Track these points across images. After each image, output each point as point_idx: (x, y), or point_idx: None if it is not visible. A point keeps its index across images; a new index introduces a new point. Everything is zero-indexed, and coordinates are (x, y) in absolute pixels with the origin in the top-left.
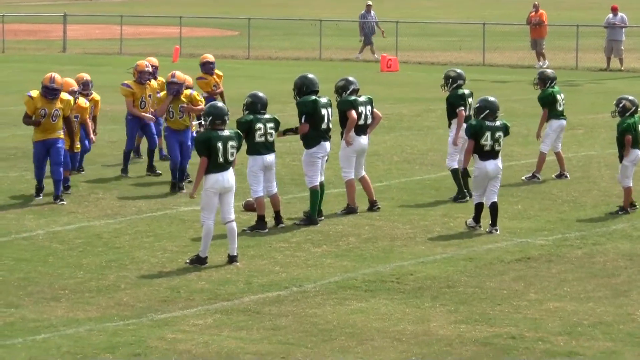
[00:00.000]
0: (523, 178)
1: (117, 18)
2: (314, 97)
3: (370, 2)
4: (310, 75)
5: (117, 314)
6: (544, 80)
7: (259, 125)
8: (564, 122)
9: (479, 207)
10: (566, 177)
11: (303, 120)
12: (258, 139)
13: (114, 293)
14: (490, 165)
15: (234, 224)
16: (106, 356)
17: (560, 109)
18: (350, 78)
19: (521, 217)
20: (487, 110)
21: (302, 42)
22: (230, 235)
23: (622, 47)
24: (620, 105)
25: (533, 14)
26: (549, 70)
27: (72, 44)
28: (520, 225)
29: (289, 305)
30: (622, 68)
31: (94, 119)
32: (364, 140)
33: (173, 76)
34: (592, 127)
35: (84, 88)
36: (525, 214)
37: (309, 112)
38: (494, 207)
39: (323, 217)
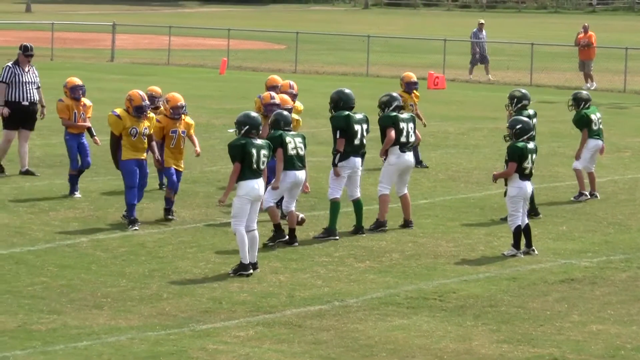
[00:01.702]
0: (572, 198)
1: (165, 29)
2: (346, 113)
3: (482, 21)
4: (347, 91)
5: (159, 323)
6: (578, 102)
7: (289, 139)
8: (600, 142)
9: (519, 230)
10: (596, 197)
11: (338, 136)
12: (290, 152)
13: (157, 302)
14: (529, 186)
15: (257, 233)
16: None
17: (595, 128)
18: (394, 94)
19: (566, 239)
20: (528, 133)
21: (349, 57)
22: (253, 243)
23: None
24: None
25: (582, 35)
26: (583, 92)
27: (120, 53)
28: (564, 246)
29: (331, 319)
30: None
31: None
32: (409, 157)
33: (273, 97)
34: (639, 150)
35: (151, 102)
36: (570, 235)
37: (342, 127)
38: (529, 228)
39: (364, 233)
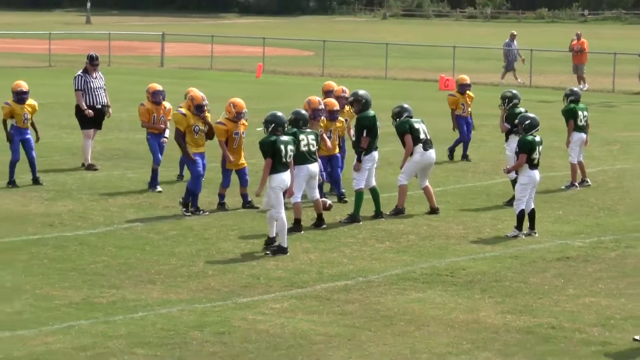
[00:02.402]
0: (563, 187)
1: (208, 38)
2: (373, 113)
3: (515, 32)
4: (361, 92)
5: (205, 296)
6: (567, 96)
7: (302, 136)
8: (583, 135)
9: (522, 214)
10: (588, 183)
11: (365, 134)
12: (302, 148)
13: (203, 278)
14: (537, 174)
15: (285, 218)
16: (195, 333)
17: (580, 124)
18: (405, 105)
19: (562, 222)
20: (536, 127)
21: (370, 62)
22: (283, 227)
23: None
24: None
25: (575, 42)
26: (575, 88)
27: (168, 60)
28: (560, 228)
29: (356, 293)
30: None
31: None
32: (431, 154)
33: (320, 103)
34: (627, 143)
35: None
36: (566, 218)
37: (369, 126)
38: (533, 213)
39: (384, 217)
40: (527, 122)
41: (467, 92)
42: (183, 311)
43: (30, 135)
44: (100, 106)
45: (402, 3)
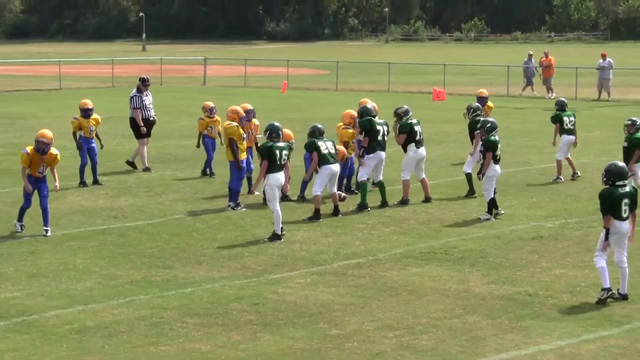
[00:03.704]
0: (551, 180)
1: (242, 61)
2: (369, 118)
3: (531, 52)
4: (369, 106)
5: (243, 274)
6: (557, 105)
7: (320, 143)
8: (572, 137)
9: (492, 200)
10: (578, 175)
11: (363, 136)
12: (324, 152)
13: (240, 259)
14: (499, 168)
15: (280, 210)
16: (234, 305)
17: (566, 127)
18: (406, 107)
19: (535, 207)
20: (496, 129)
21: (375, 78)
22: (278, 218)
23: (610, 84)
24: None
25: (544, 59)
26: (562, 99)
27: (210, 79)
28: (534, 213)
29: (366, 269)
30: (610, 99)
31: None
32: (422, 151)
33: (352, 117)
34: (587, 142)
35: (210, 113)
36: (539, 204)
37: (367, 129)
38: (494, 201)
39: (389, 206)
40: (488, 125)
41: (487, 103)
42: (224, 286)
43: (94, 144)
44: (152, 119)
45: (401, 29)
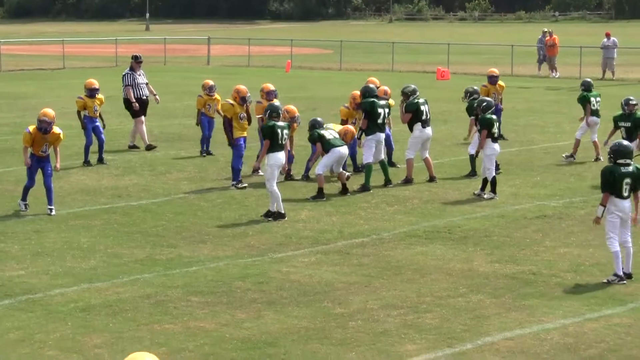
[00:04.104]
0: (563, 156)
1: (246, 40)
2: (371, 99)
3: (545, 29)
4: (371, 85)
5: (247, 253)
6: (582, 85)
7: (323, 131)
8: (596, 119)
9: (494, 179)
10: (600, 160)
11: (364, 117)
12: (328, 137)
13: (244, 238)
14: (498, 146)
15: (277, 190)
16: (239, 283)
17: (593, 108)
18: (414, 86)
19: (539, 186)
20: (492, 108)
21: (379, 58)
22: (278, 197)
23: (614, 63)
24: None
25: (548, 38)
26: (587, 79)
27: (214, 59)
28: (538, 192)
29: (370, 248)
30: (614, 78)
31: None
32: (428, 130)
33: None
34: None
35: (210, 91)
36: (542, 184)
37: (367, 110)
38: (495, 179)
39: (393, 185)
40: (484, 104)
41: (498, 82)
42: (229, 265)
43: (99, 123)
44: (145, 98)
45: (405, 9)
